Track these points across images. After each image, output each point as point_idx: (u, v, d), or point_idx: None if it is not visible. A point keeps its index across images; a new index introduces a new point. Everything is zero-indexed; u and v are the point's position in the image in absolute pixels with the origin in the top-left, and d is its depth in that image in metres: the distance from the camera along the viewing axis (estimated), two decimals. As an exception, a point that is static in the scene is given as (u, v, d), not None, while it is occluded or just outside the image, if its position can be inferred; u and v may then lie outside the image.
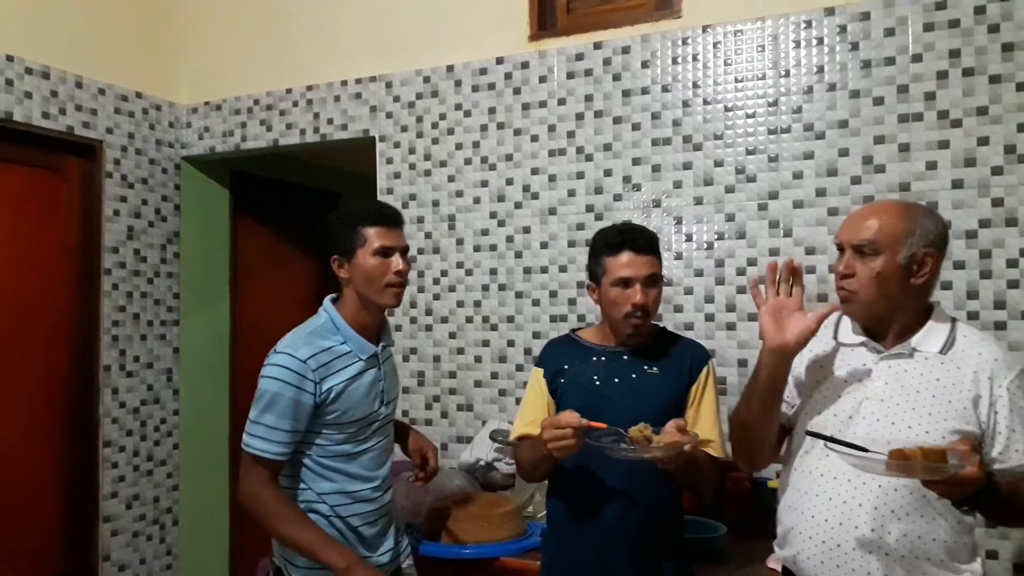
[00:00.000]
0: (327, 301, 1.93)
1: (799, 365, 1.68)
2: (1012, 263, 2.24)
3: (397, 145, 3.07)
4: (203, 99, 3.45)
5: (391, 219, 1.89)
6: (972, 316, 2.26)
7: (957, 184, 2.30)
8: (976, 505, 1.43)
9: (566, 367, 1.92)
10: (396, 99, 3.07)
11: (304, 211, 4.15)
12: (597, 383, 1.87)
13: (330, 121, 3.19)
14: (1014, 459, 1.50)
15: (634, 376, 1.86)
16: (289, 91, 3.27)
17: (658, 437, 1.61)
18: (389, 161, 3.09)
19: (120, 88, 3.20)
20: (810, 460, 1.62)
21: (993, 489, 1.38)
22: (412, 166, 3.05)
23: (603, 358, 1.90)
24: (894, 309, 1.59)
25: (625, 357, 1.89)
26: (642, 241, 1.84)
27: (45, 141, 2.96)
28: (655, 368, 1.87)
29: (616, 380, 1.86)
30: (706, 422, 1.84)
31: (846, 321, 1.68)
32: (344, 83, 3.16)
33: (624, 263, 1.82)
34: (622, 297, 1.82)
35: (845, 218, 1.66)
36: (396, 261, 1.85)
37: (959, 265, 2.28)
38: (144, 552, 3.25)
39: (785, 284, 1.62)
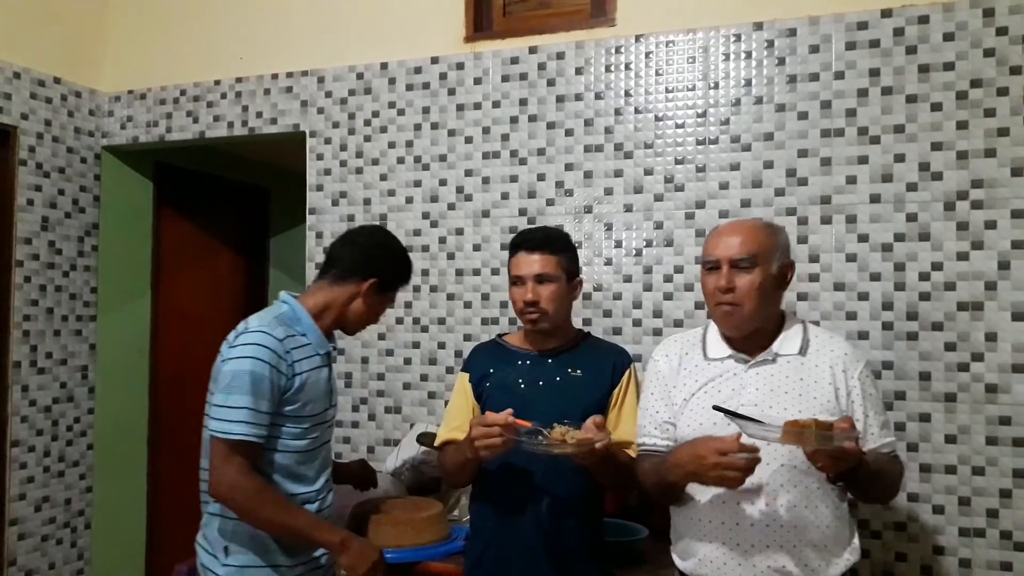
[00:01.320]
0: (284, 294, 1.89)
1: (675, 387, 1.75)
2: (924, 276, 2.33)
3: (328, 141, 3.02)
4: (127, 87, 3.33)
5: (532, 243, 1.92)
6: (887, 326, 2.35)
7: (875, 199, 2.38)
8: (851, 481, 1.55)
9: (492, 371, 1.93)
10: (328, 95, 3.01)
11: (231, 206, 4.05)
12: (522, 386, 1.88)
13: (259, 114, 3.11)
14: (871, 441, 1.64)
15: (558, 379, 1.89)
16: (218, 82, 3.18)
17: (573, 433, 1.65)
18: (319, 157, 3.03)
19: (37, 72, 3.06)
20: None
21: (865, 466, 1.52)
22: (343, 163, 3.00)
23: (528, 362, 1.93)
24: (765, 318, 1.69)
25: (550, 361, 1.92)
26: (534, 241, 1.90)
27: (-47, 125, 2.81)
28: (579, 371, 1.90)
29: (540, 383, 1.88)
30: (627, 424, 1.88)
31: (713, 338, 1.76)
32: (275, 76, 3.09)
33: (516, 263, 1.90)
34: (517, 295, 1.89)
35: (709, 238, 1.74)
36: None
37: (875, 277, 2.37)
38: (54, 557, 3.12)
39: None
